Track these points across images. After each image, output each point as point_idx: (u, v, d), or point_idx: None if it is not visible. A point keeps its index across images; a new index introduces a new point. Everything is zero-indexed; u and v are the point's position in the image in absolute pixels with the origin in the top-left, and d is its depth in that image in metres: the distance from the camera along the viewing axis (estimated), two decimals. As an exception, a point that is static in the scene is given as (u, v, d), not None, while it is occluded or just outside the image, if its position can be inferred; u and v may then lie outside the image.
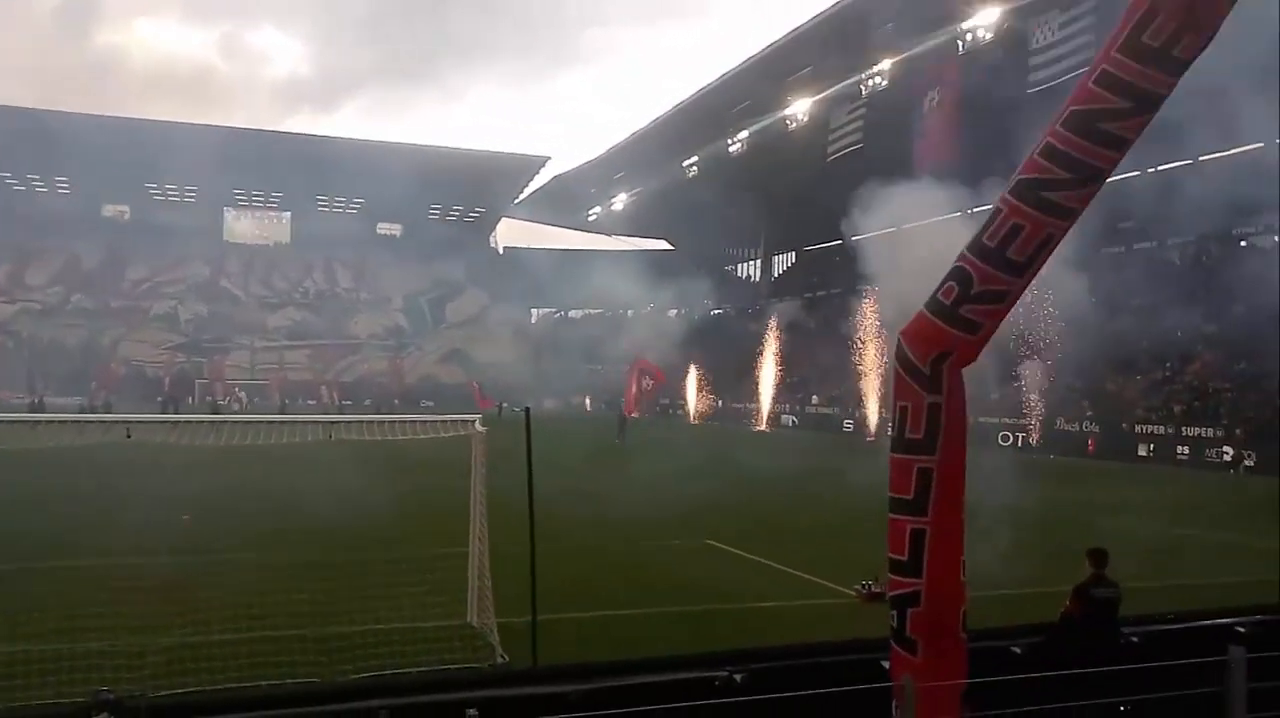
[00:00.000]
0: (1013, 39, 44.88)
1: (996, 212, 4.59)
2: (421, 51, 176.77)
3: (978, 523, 12.48)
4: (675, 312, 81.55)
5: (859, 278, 41.42)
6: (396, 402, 64.66)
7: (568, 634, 9.75)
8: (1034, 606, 8.64)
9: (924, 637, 4.84)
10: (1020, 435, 39.70)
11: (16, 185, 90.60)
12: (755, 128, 65.61)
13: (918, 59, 50.48)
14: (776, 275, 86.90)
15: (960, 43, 48.15)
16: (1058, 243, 4.49)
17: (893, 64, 52.04)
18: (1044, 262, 4.52)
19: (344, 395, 68.89)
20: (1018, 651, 6.43)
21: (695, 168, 75.11)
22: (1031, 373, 36.19)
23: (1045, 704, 5.10)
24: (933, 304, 4.75)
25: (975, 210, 22.29)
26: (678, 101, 67.78)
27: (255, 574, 11.96)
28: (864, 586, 11.71)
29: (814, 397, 58.59)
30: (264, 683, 7.90)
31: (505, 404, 49.95)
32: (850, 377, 45.73)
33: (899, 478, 4.76)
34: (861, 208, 25.33)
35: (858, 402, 46.18)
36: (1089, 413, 40.76)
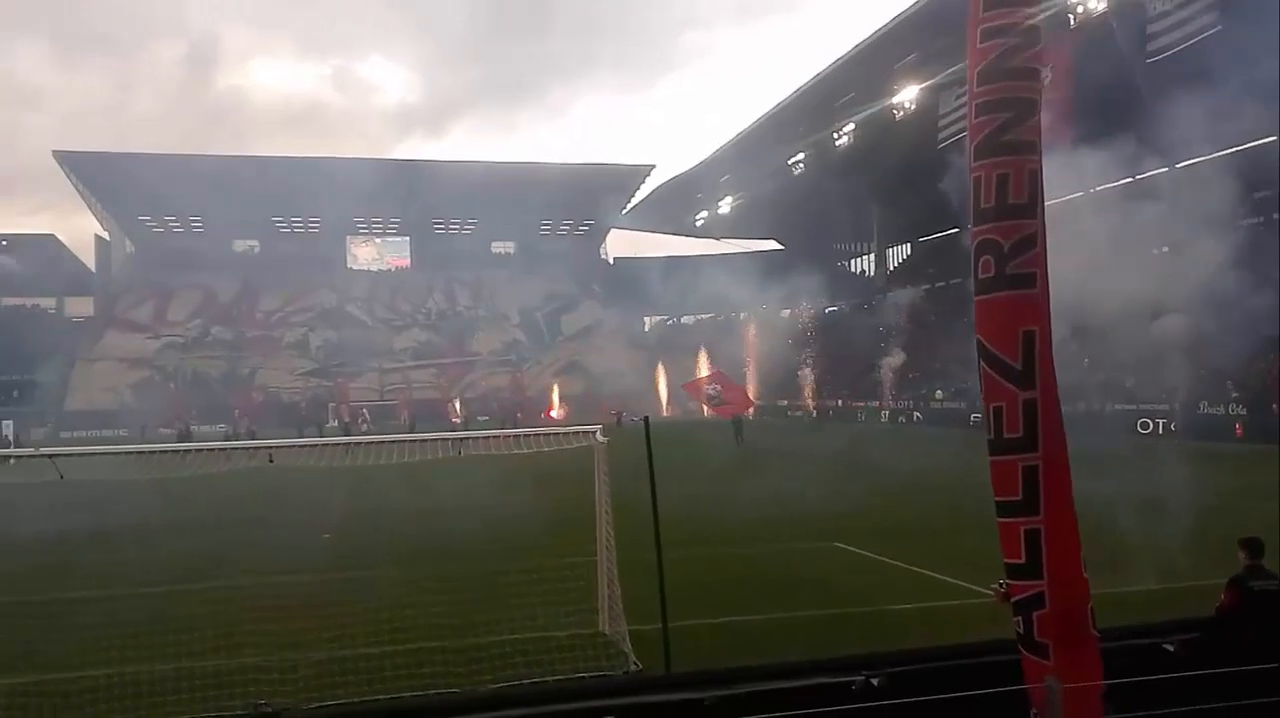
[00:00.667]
0: (1128, 8, 42.93)
1: (978, 181, 4.74)
2: (523, 70, 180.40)
3: (1119, 515, 12.01)
4: (788, 311, 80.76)
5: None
6: (519, 415, 65.88)
7: (699, 641, 9.76)
8: (1188, 600, 8.23)
9: (1055, 640, 4.66)
10: (1161, 422, 37.80)
11: (155, 228, 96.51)
12: (861, 119, 64.53)
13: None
14: (892, 268, 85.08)
15: (1072, 16, 46.29)
16: (1041, 174, 4.71)
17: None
18: (1043, 195, 4.65)
19: (469, 412, 70.59)
20: (1170, 648, 6.13)
21: (801, 164, 74.27)
22: (1169, 355, 34.43)
23: (1201, 704, 4.85)
24: (982, 285, 4.73)
25: (1096, 189, 21.41)
26: (780, 99, 67.24)
27: (394, 589, 12.37)
28: (1002, 584, 11.33)
29: (938, 391, 57.07)
30: (408, 694, 8.15)
31: (624, 413, 50.37)
32: (975, 368, 44.40)
33: (1003, 480, 4.62)
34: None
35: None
36: (1234, 395, 38.51)
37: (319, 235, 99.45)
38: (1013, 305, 4.61)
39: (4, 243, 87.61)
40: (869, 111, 62.74)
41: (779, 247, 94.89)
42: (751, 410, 44.92)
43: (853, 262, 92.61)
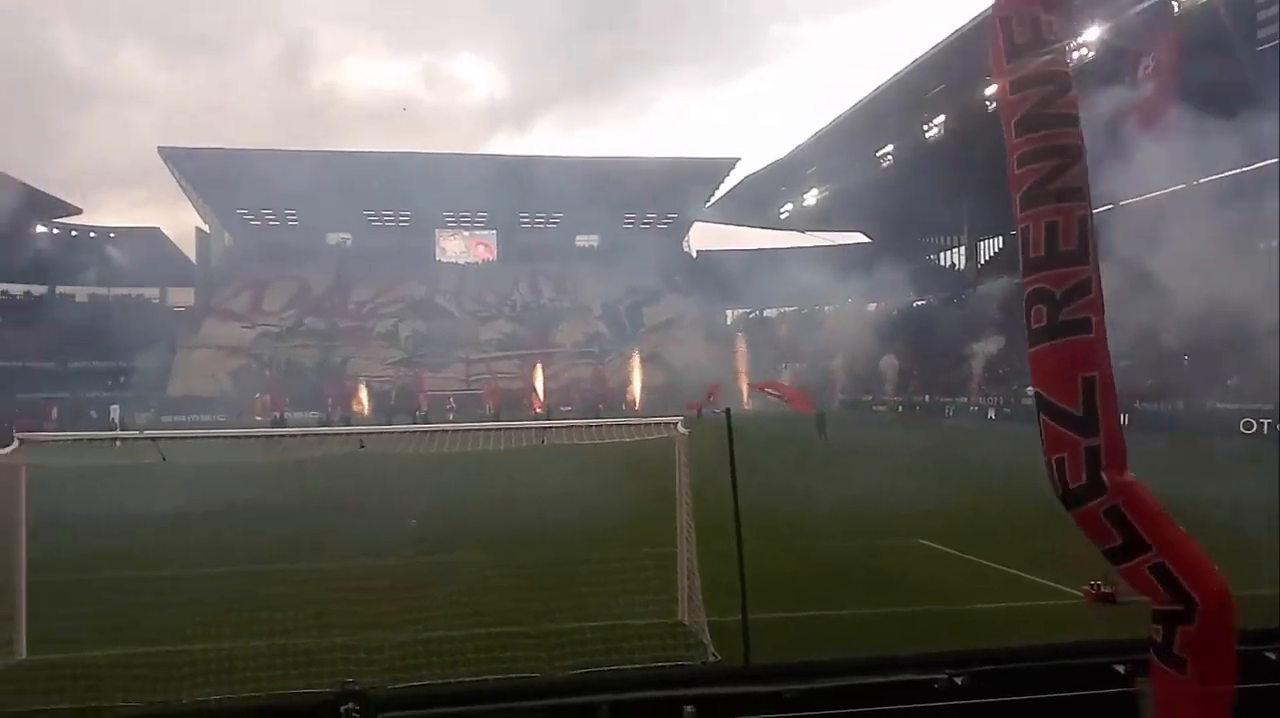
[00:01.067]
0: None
1: (1025, 231, 4.63)
2: (609, 64, 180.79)
3: (1220, 518, 11.54)
4: (874, 305, 79.57)
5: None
6: (601, 406, 66.33)
7: (778, 634, 9.69)
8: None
9: (1195, 655, 4.46)
10: (1266, 422, 36.17)
11: (253, 221, 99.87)
12: (953, 110, 63.15)
13: (1129, 23, 47.04)
14: (983, 262, 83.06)
15: (1176, 3, 44.50)
16: (1091, 219, 4.45)
17: (1101, 31, 48.73)
18: (1096, 239, 4.44)
19: (551, 402, 71.33)
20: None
21: (890, 156, 73.02)
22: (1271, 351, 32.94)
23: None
24: (1035, 336, 4.59)
25: (1201, 181, 20.60)
26: (869, 90, 66.14)
27: (477, 574, 12.57)
28: (1093, 586, 11.02)
29: (1028, 387, 55.55)
30: (489, 677, 8.28)
31: (706, 406, 50.24)
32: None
33: (1096, 531, 4.44)
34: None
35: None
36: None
37: (409, 228, 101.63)
38: (1069, 353, 4.47)
39: (112, 235, 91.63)
40: (962, 104, 61.38)
41: (866, 239, 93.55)
42: (807, 409, 44.24)
43: (942, 255, 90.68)
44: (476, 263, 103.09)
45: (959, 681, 4.97)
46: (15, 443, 9.22)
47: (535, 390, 74.33)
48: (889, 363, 63.93)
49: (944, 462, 29.18)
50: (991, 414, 54.69)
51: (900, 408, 61.73)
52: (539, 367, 79.41)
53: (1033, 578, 12.59)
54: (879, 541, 15.76)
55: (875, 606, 11.44)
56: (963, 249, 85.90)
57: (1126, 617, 6.86)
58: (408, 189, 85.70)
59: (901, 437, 42.22)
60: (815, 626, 10.57)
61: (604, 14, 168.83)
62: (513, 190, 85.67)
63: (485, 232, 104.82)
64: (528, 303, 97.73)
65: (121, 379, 68.63)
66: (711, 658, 8.94)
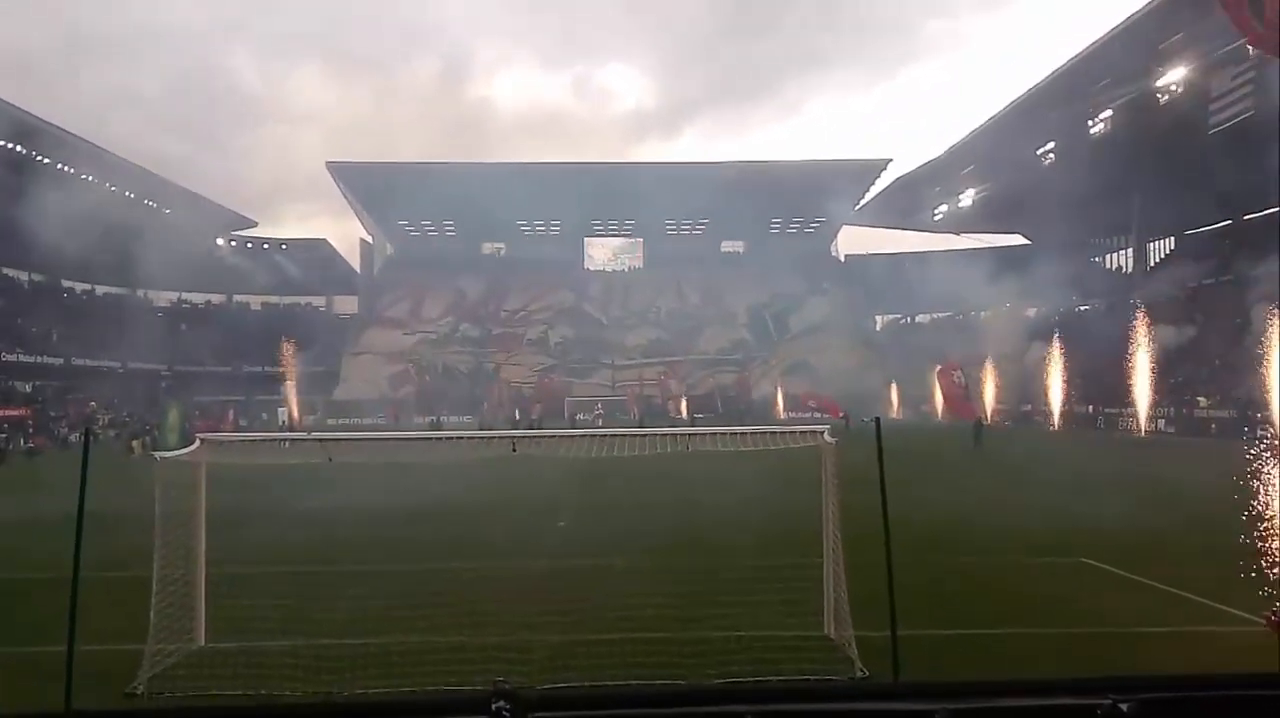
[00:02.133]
0: None
1: None
2: (757, 67, 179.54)
3: None
4: (1034, 309, 76.20)
5: (1256, 260, 36.18)
6: (746, 414, 65.98)
7: (928, 652, 9.39)
8: None
9: None
10: None
11: (413, 232, 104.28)
12: (1120, 104, 59.90)
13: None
14: (1153, 264, 78.31)
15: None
16: None
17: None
18: None
19: (695, 409, 71.44)
20: None
21: (1052, 154, 69.81)
22: None
23: None
24: None
25: None
26: (1029, 86, 63.50)
27: (624, 579, 12.71)
28: (1276, 612, 10.21)
29: (1200, 399, 51.94)
30: (634, 682, 8.33)
31: (850, 415, 49.29)
32: (1249, 374, 40.07)
33: None
34: (1259, 181, 22.18)
35: (1259, 403, 40.07)
36: None
37: (559, 237, 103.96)
38: None
39: (284, 246, 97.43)
40: (1131, 97, 58.17)
41: (1025, 241, 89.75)
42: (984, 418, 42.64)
43: (1108, 257, 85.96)
44: (623, 270, 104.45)
45: (1124, 707, 4.69)
46: (196, 443, 9.89)
47: (676, 397, 74.66)
48: (1049, 371, 61.09)
49: (1110, 476, 27.65)
50: (1162, 426, 51.46)
51: (1061, 419, 58.81)
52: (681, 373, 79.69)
53: (1205, 602, 11.76)
54: (1038, 558, 15.06)
55: (1034, 626, 10.93)
56: (1130, 250, 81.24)
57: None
58: (557, 198, 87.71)
59: (1063, 448, 40.27)
60: (968, 644, 10.19)
61: (750, 16, 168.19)
62: (659, 197, 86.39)
63: (632, 238, 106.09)
64: (673, 309, 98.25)
65: (290, 383, 72.59)
66: (859, 674, 8.74)
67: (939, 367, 52.81)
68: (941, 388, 48.51)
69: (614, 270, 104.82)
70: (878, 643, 8.54)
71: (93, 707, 7.78)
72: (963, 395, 44.74)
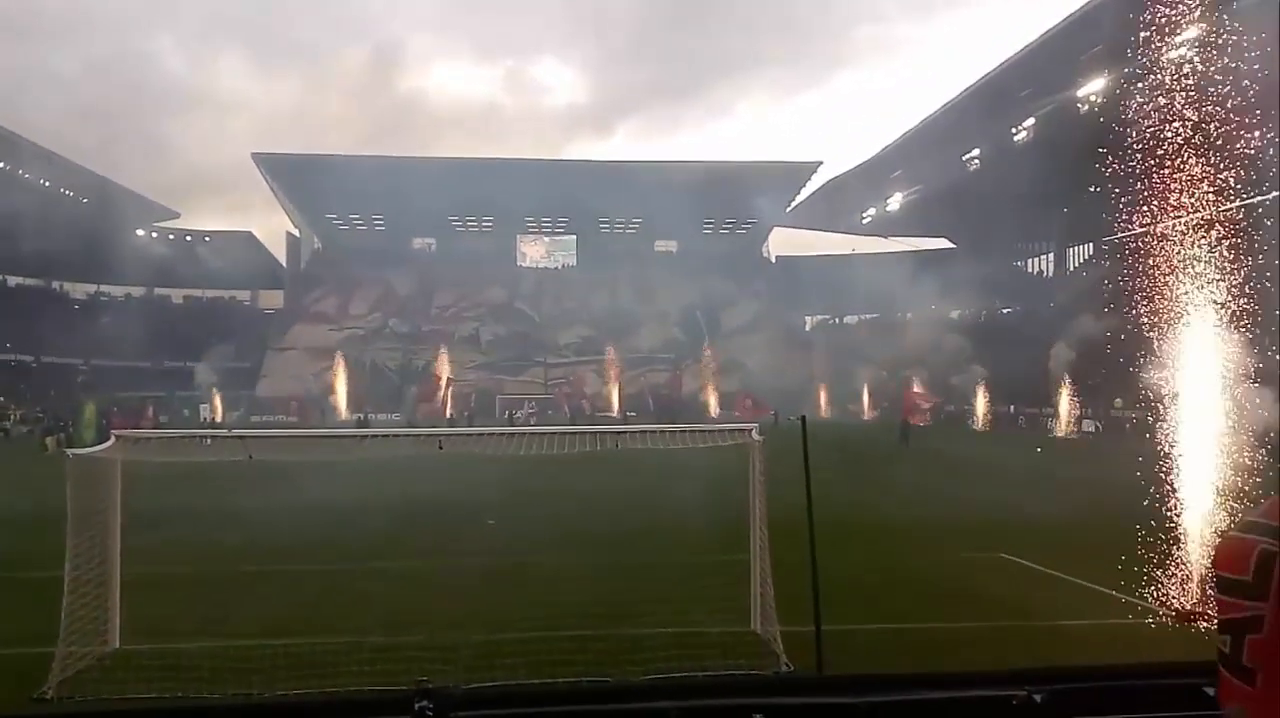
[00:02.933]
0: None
1: None
2: (690, 69, 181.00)
3: None
4: (959, 312, 77.97)
5: (1170, 268, 37.46)
6: (678, 413, 66.22)
7: (852, 645, 9.53)
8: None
9: (1265, 666, 4.25)
10: None
11: (341, 225, 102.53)
12: (1043, 113, 61.62)
13: (1239, 17, 45.22)
14: (1072, 268, 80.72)
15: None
16: None
17: (1203, 29, 46.96)
18: None
19: (627, 407, 71.54)
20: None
21: (977, 160, 71.53)
22: None
23: None
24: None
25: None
26: (955, 94, 65.01)
27: (550, 577, 12.67)
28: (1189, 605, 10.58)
29: (1117, 399, 53.66)
30: (561, 680, 8.31)
31: (779, 413, 49.84)
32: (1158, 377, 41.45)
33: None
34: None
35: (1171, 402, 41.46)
36: None
37: (491, 233, 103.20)
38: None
39: (207, 238, 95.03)
40: (1052, 106, 59.88)
41: (950, 245, 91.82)
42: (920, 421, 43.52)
43: (1030, 261, 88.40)
44: (556, 267, 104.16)
45: (1038, 698, 4.79)
46: (111, 439, 9.57)
47: (589, 397, 74.84)
48: (973, 372, 62.54)
49: (1027, 475, 28.42)
50: (1089, 427, 53.05)
51: (985, 420, 60.28)
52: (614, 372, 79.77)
53: (1117, 595, 12.14)
54: (959, 553, 15.41)
55: (953, 619, 11.17)
56: (1051, 255, 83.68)
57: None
58: (490, 194, 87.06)
59: (986, 448, 41.27)
60: (891, 638, 10.38)
61: (685, 17, 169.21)
62: (592, 195, 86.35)
63: (565, 236, 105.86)
64: (606, 308, 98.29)
65: (214, 379, 70.87)
66: (784, 668, 8.83)
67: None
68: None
69: (547, 268, 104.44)
70: (803, 638, 8.63)
71: (-2, 712, 7.49)
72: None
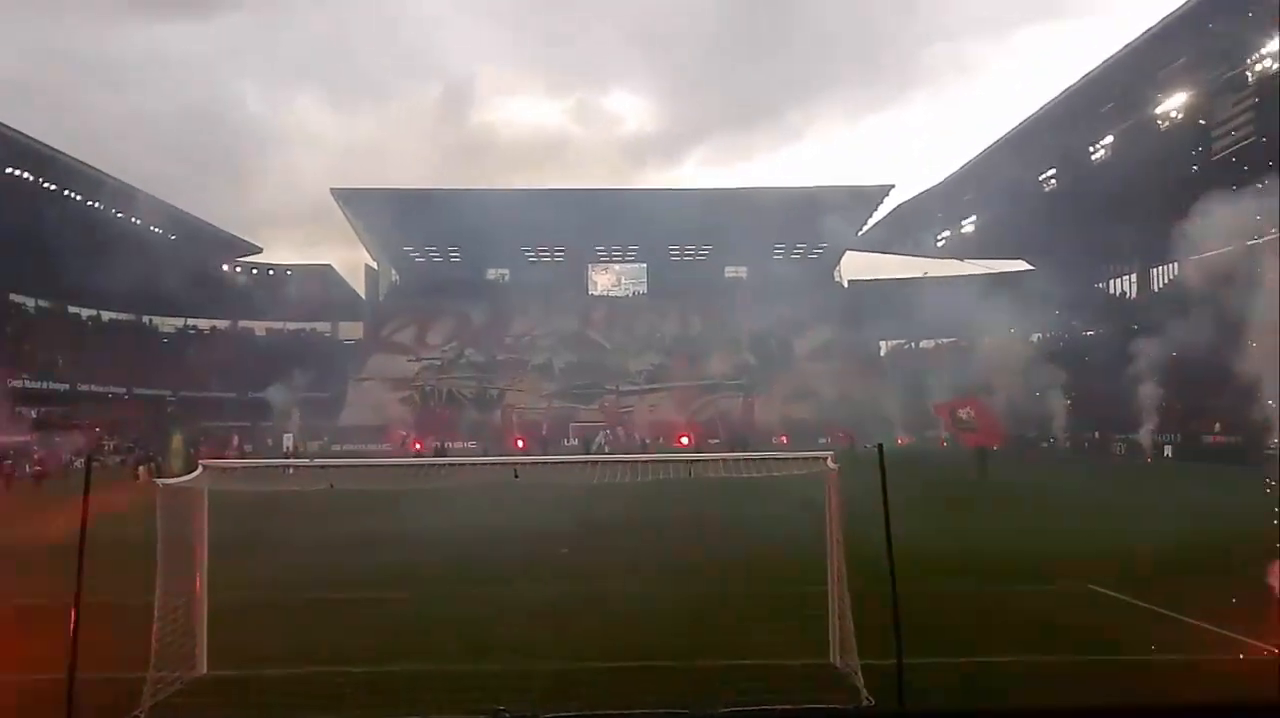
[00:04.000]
0: None
1: None
2: (759, 94, 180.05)
3: None
4: (1038, 335, 76.12)
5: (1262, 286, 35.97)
6: (749, 440, 65.81)
7: (934, 680, 9.31)
8: None
9: None
10: None
11: (418, 258, 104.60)
12: (1121, 130, 60.15)
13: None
14: (1157, 289, 78.25)
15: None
16: None
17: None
18: None
19: (701, 435, 71.27)
20: None
21: (1054, 180, 70.02)
22: None
23: None
24: None
25: None
26: (1031, 112, 63.79)
27: (626, 606, 12.63)
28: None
29: (1216, 424, 51.69)
30: (638, 711, 8.25)
31: (855, 440, 49.14)
32: (1254, 400, 39.82)
33: None
34: (1263, 207, 22.15)
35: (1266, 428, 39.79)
36: None
37: (563, 263, 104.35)
38: None
39: (289, 273, 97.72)
40: (1132, 123, 58.42)
41: (1028, 267, 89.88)
42: (997, 444, 42.41)
43: (1112, 283, 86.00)
44: (626, 295, 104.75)
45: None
46: (199, 469, 9.87)
47: (683, 424, 74.57)
48: (1054, 397, 60.90)
49: (1114, 503, 27.53)
50: (1168, 453, 51.27)
51: (1068, 446, 58.60)
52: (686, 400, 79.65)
53: (1218, 630, 11.64)
54: (1044, 586, 14.96)
55: (1040, 653, 10.83)
56: (1134, 276, 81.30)
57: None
58: (561, 224, 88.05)
59: (1068, 476, 40.11)
60: (975, 673, 10.08)
61: (753, 43, 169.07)
62: (662, 223, 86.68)
63: (635, 265, 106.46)
64: (676, 335, 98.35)
65: (295, 410, 72.59)
66: (866, 703, 8.65)
67: (936, 404, 52.61)
68: (945, 424, 48.15)
69: (617, 296, 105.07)
70: (884, 671, 8.46)
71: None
72: (970, 429, 44.27)
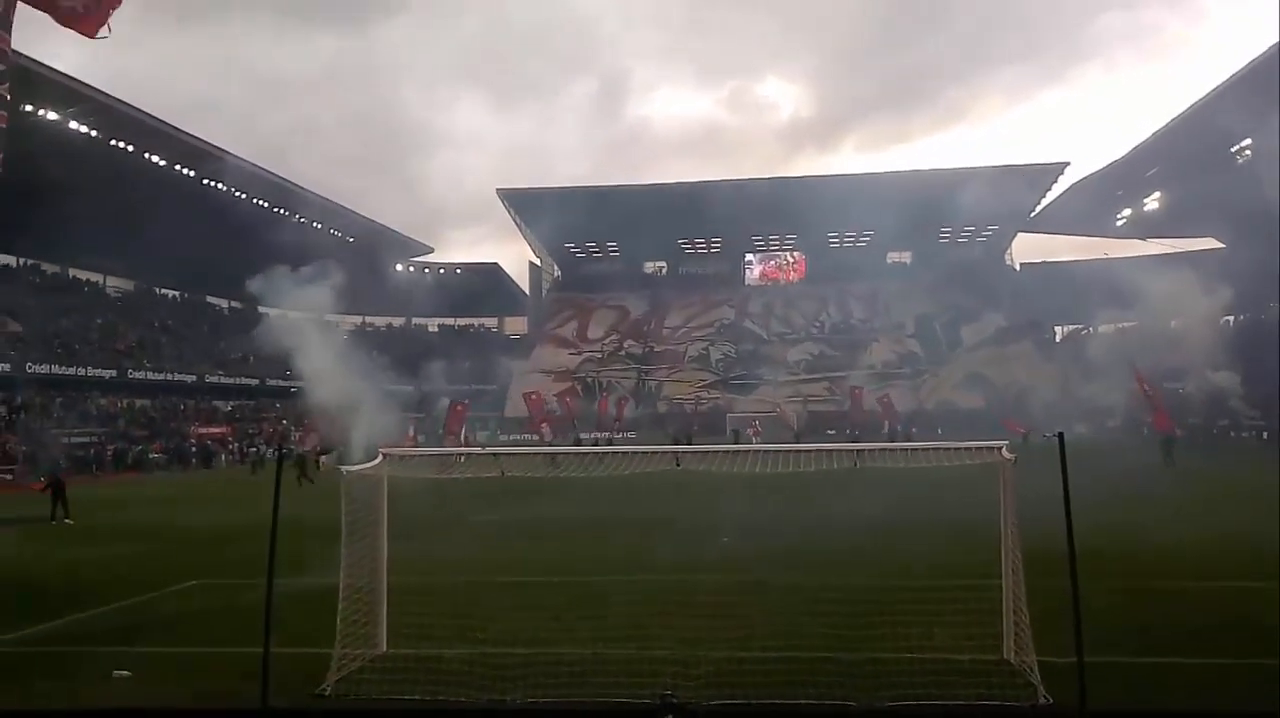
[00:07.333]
0: None
1: None
2: (919, 74, 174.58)
3: None
4: (1232, 318, 70.75)
5: None
6: (914, 429, 63.98)
7: (1116, 679, 8.84)
8: None
9: None
10: None
11: (578, 253, 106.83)
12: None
13: None
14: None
15: None
16: None
17: None
18: None
19: (864, 424, 69.76)
20: None
21: (1249, 150, 64.83)
22: None
23: None
24: None
25: None
26: (1221, 80, 59.26)
27: (788, 595, 12.54)
28: None
29: None
30: (804, 702, 8.18)
31: (1031, 430, 46.94)
32: None
33: None
34: None
35: None
36: None
37: (719, 254, 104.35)
38: None
39: (458, 271, 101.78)
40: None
41: (1219, 245, 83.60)
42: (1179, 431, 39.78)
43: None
44: (784, 284, 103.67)
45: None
46: (379, 457, 10.41)
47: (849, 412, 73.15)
48: (1226, 377, 56.51)
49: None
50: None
51: (1264, 434, 54.24)
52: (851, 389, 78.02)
53: None
54: (1237, 583, 13.92)
55: (1231, 656, 10.08)
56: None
57: None
58: (717, 215, 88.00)
59: (1262, 466, 37.17)
60: (1159, 673, 9.51)
61: (910, 22, 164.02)
62: (819, 209, 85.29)
63: (792, 252, 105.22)
64: (836, 323, 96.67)
65: (466, 401, 75.47)
66: (1043, 701, 8.29)
67: (1138, 374, 49.71)
68: (1143, 393, 45.58)
69: (775, 285, 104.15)
70: (1062, 669, 8.08)
71: (285, 705, 8.28)
72: (1159, 410, 41.76)
